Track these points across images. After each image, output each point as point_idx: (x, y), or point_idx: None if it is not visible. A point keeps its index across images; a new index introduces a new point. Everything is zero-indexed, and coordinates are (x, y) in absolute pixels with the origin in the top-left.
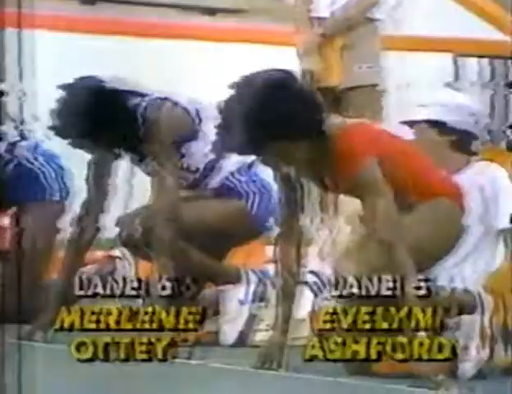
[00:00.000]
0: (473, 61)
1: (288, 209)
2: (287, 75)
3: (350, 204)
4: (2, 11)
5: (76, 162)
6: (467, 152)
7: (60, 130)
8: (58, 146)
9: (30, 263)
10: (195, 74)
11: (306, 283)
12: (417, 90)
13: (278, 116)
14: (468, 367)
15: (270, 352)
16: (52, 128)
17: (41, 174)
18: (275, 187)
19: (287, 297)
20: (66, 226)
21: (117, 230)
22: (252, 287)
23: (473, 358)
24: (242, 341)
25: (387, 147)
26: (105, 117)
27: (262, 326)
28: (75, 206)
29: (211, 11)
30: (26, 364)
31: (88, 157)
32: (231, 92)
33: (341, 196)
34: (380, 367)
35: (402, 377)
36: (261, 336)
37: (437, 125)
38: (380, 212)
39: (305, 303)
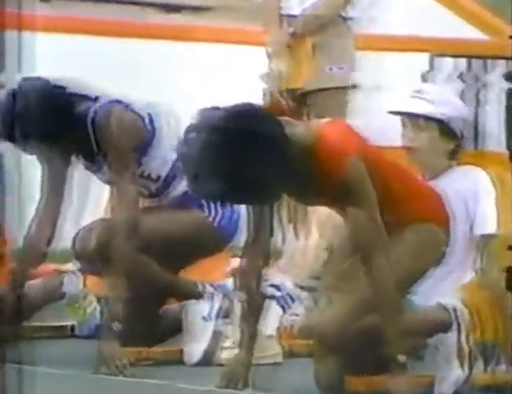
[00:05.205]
0: (450, 61)
1: (256, 224)
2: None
3: (321, 213)
4: None
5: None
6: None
7: (5, 135)
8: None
9: None
10: (156, 75)
11: (272, 297)
12: (392, 90)
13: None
14: (446, 386)
15: (235, 371)
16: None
17: None
18: None
19: (252, 313)
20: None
21: (71, 242)
22: (216, 303)
23: (451, 377)
24: (207, 359)
25: (369, 146)
26: (52, 122)
27: (227, 343)
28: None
29: (175, 9)
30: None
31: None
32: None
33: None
34: (355, 384)
35: None
36: (226, 354)
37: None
38: (366, 216)
39: (273, 319)
